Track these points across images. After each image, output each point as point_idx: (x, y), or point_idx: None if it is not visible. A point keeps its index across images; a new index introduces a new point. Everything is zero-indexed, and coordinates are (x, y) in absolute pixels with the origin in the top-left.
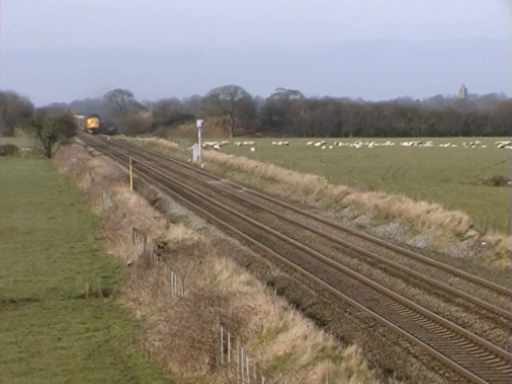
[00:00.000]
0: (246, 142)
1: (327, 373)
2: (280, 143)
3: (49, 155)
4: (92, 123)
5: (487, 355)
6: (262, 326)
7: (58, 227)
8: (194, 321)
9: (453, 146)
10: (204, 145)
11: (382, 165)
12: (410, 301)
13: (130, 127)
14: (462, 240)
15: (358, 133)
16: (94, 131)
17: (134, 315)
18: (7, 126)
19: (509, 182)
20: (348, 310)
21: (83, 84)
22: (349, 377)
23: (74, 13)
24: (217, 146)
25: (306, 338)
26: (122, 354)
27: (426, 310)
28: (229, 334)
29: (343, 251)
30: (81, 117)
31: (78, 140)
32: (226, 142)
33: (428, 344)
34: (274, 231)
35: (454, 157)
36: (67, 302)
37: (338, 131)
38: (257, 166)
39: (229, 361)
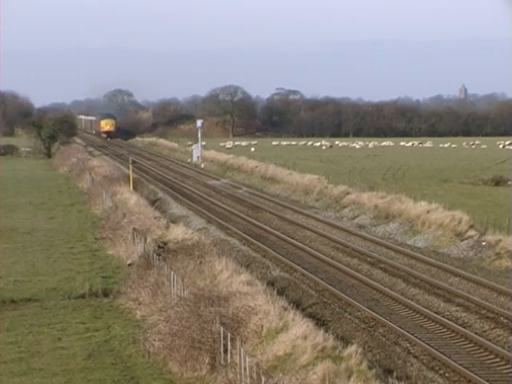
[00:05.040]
0: (284, 143)
1: (327, 373)
2: (312, 143)
3: (49, 155)
4: (107, 126)
5: (487, 355)
6: (262, 326)
7: (58, 227)
8: (194, 321)
9: (453, 146)
10: (229, 145)
11: (382, 165)
12: (410, 301)
13: (128, 127)
14: (462, 240)
15: (358, 133)
16: (109, 135)
17: (134, 315)
18: (7, 126)
19: (509, 182)
20: (348, 310)
21: (83, 84)
22: (349, 377)
23: (74, 13)
24: (228, 146)
25: (305, 338)
26: (122, 354)
27: (426, 310)
28: (229, 334)
29: (343, 251)
30: (91, 118)
31: (78, 140)
32: (255, 142)
33: (428, 344)
34: (274, 231)
35: (454, 157)
36: (67, 302)
37: (338, 131)
38: (257, 166)
39: (229, 361)
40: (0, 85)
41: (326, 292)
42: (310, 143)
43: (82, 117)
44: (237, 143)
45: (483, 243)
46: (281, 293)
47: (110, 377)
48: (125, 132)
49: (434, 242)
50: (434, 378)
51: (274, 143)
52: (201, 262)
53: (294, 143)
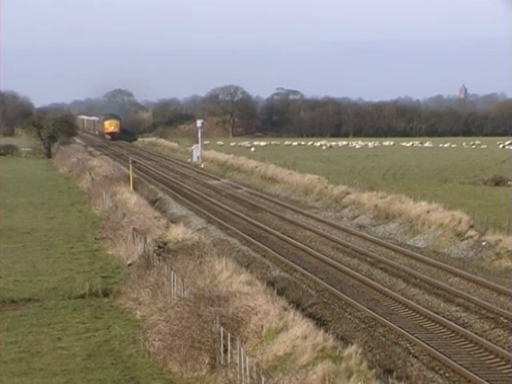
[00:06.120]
0: (295, 143)
1: (327, 373)
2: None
3: (49, 155)
4: (111, 126)
5: (487, 355)
6: (262, 326)
7: (58, 227)
8: (194, 321)
9: (453, 146)
10: (249, 144)
11: (382, 165)
12: (410, 301)
13: (130, 127)
14: (461, 240)
15: (358, 133)
16: (113, 137)
17: (134, 315)
18: (7, 126)
19: (509, 182)
20: (348, 310)
21: (83, 84)
22: (349, 377)
23: (74, 13)
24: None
25: (305, 337)
26: (122, 354)
27: (426, 310)
28: (229, 334)
29: (343, 251)
30: (94, 118)
31: (78, 140)
32: (276, 142)
33: (428, 344)
34: (274, 231)
35: (454, 157)
36: (67, 302)
37: (338, 131)
38: (257, 166)
39: (229, 361)
40: (0, 85)
41: (326, 292)
42: (309, 143)
43: (84, 117)
44: (255, 143)
45: (483, 243)
46: (281, 293)
47: (109, 377)
48: (128, 133)
49: (434, 241)
50: (433, 378)
51: (286, 143)
52: (201, 262)
53: (303, 143)
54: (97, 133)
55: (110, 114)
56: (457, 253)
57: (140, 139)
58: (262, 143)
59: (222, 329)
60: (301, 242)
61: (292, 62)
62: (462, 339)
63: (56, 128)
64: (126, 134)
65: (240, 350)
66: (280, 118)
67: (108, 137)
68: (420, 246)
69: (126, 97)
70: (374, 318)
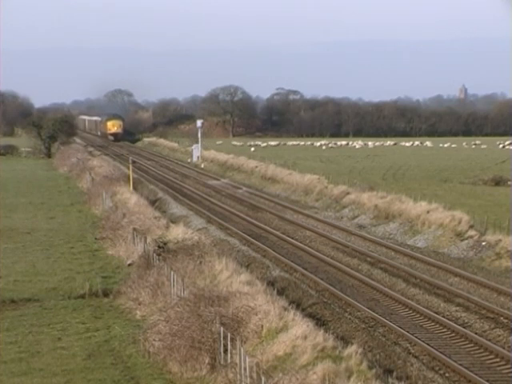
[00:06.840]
0: (302, 143)
1: (327, 373)
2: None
3: (49, 155)
4: (114, 127)
5: (487, 355)
6: (262, 326)
7: (58, 227)
8: (194, 321)
9: (453, 146)
10: (264, 143)
11: (382, 165)
12: (410, 301)
13: (130, 127)
14: (461, 240)
15: (358, 133)
16: (116, 137)
17: (134, 315)
18: (7, 126)
19: (509, 182)
20: (348, 310)
21: (83, 84)
22: (349, 377)
23: (74, 13)
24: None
25: (306, 337)
26: (122, 354)
27: (426, 310)
28: (229, 334)
29: (343, 251)
30: (96, 118)
31: (78, 140)
32: (292, 142)
33: (428, 344)
34: (274, 231)
35: (454, 157)
36: (67, 302)
37: (338, 131)
38: (257, 166)
39: (229, 361)
40: (0, 85)
41: (326, 292)
42: (308, 143)
43: (85, 117)
44: (270, 143)
45: (483, 243)
46: (281, 293)
47: (109, 377)
48: (130, 134)
49: (434, 241)
50: (434, 378)
51: (294, 143)
52: (201, 262)
53: (315, 143)
54: (99, 133)
55: (113, 115)
56: (457, 253)
57: (146, 139)
58: (273, 143)
59: (222, 329)
60: (301, 242)
61: (292, 61)
62: (462, 339)
63: (56, 128)
64: (129, 134)
65: (240, 350)
66: (280, 117)
67: (111, 138)
68: (420, 245)
69: (126, 97)
70: (374, 318)
